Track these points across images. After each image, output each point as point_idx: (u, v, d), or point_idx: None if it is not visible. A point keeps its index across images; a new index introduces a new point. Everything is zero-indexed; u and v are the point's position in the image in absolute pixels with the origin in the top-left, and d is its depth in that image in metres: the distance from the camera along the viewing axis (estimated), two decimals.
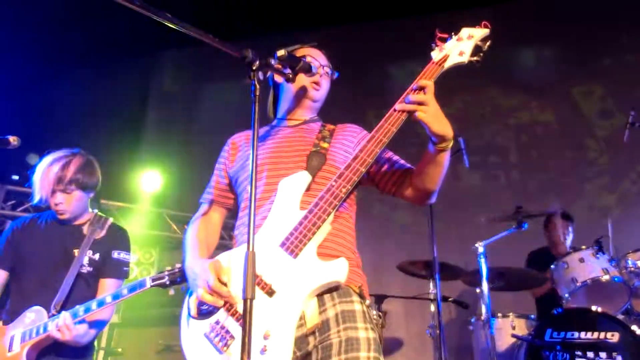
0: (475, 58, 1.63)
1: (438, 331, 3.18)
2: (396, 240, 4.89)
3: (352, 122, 1.87)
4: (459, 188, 5.10)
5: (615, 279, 3.24)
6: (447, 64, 1.61)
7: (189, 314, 1.51)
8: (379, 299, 3.48)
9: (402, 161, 1.75)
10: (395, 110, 1.54)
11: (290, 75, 1.56)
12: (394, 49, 5.73)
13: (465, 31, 1.65)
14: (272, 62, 1.45)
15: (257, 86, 1.37)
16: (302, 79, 1.77)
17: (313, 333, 1.45)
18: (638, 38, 5.41)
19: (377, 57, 5.75)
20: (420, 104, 1.48)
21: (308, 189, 1.59)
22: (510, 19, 5.32)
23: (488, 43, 1.64)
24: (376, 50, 5.78)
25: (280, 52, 1.50)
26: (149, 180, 5.49)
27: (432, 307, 3.50)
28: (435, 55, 1.63)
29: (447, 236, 4.21)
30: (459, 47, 1.62)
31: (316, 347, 1.44)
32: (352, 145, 1.75)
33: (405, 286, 4.07)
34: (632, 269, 3.26)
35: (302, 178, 1.61)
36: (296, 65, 1.57)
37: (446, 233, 4.18)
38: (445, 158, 1.56)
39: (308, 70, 1.66)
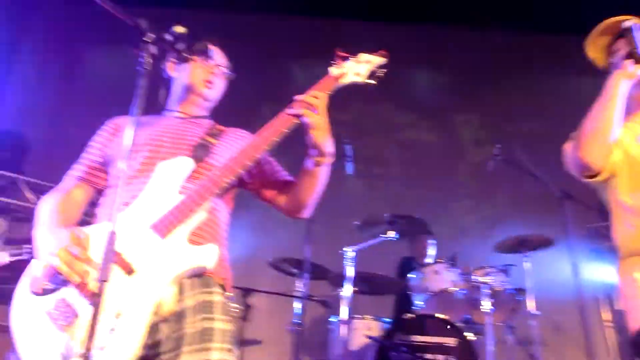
0: (370, 80, 1.76)
1: (299, 328, 3.36)
2: (273, 237, 5.04)
3: (245, 114, 1.92)
4: (341, 193, 5.40)
5: (461, 291, 3.69)
6: (343, 81, 1.72)
7: (32, 288, 1.39)
8: (245, 293, 3.58)
9: (284, 172, 1.81)
10: (287, 113, 1.59)
11: (184, 55, 1.55)
12: (298, 48, 5.90)
13: (363, 56, 1.77)
14: (167, 37, 1.44)
15: (147, 60, 1.35)
16: (195, 74, 1.79)
17: (167, 321, 1.42)
18: (516, 81, 6.18)
19: (282, 54, 5.88)
20: (311, 109, 1.54)
21: (189, 177, 1.57)
22: (412, 40, 5.76)
23: (384, 70, 1.77)
24: (281, 47, 5.90)
25: (178, 28, 1.48)
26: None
27: (297, 305, 3.67)
28: (334, 70, 1.72)
29: (323, 238, 4.45)
30: (356, 68, 1.74)
31: (169, 337, 1.42)
32: (239, 147, 1.73)
33: (275, 282, 4.21)
34: (476, 284, 3.71)
35: (184, 164, 1.59)
36: (192, 45, 1.56)
37: (322, 235, 4.41)
38: (323, 173, 1.63)
39: (204, 53, 1.69)
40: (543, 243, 4.07)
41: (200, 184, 1.51)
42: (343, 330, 3.43)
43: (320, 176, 1.64)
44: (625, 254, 1.54)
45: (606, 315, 5.20)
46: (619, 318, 4.78)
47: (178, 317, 1.44)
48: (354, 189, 5.57)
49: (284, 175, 1.80)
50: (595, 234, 5.19)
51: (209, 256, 1.48)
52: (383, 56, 1.77)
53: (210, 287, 1.52)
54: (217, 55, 1.88)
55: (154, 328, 1.40)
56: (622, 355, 4.84)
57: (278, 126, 1.57)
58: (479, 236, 5.22)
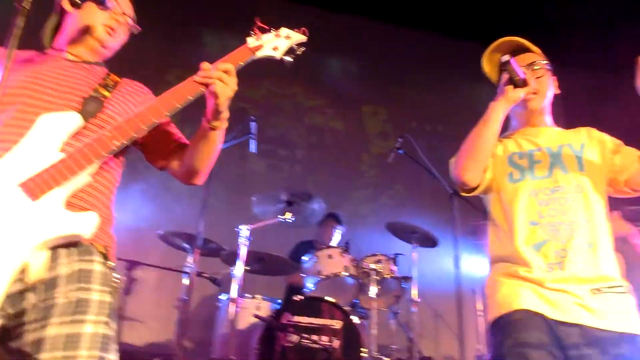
0: (287, 57, 1.70)
1: (185, 305, 3.29)
2: (168, 209, 4.87)
3: (153, 77, 1.81)
4: (243, 171, 5.37)
5: (351, 277, 3.82)
6: (260, 54, 1.64)
7: None
8: (131, 265, 3.44)
9: (180, 135, 1.71)
10: (194, 80, 1.49)
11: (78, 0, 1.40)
12: (212, 16, 5.71)
13: (284, 30, 1.71)
14: None
15: None
16: (96, 16, 1.63)
17: (34, 289, 1.29)
18: (425, 82, 6.50)
19: (194, 21, 5.66)
20: (221, 79, 1.47)
21: (74, 134, 1.42)
22: (328, 26, 5.79)
23: (302, 49, 1.74)
24: (194, 14, 5.68)
25: None
26: None
27: (186, 281, 3.59)
28: (251, 41, 1.65)
29: (219, 214, 4.40)
30: (275, 42, 1.68)
31: (35, 306, 1.29)
32: (135, 103, 1.64)
33: (166, 257, 4.09)
34: (366, 270, 3.87)
35: (71, 119, 1.43)
36: None
37: (219, 211, 4.36)
38: (219, 137, 1.58)
39: (101, 2, 1.57)
40: (430, 240, 4.37)
41: (85, 144, 1.37)
42: (231, 308, 3.40)
43: (215, 141, 1.59)
44: (493, 259, 1.72)
45: (479, 305, 5.70)
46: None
47: (48, 285, 1.30)
48: (256, 168, 5.54)
49: (180, 138, 1.71)
50: (476, 231, 5.65)
51: (85, 225, 1.35)
52: (304, 34, 1.74)
53: (90, 255, 1.39)
54: (125, 4, 1.72)
55: (17, 296, 1.27)
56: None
57: (183, 92, 1.48)
58: (375, 225, 5.45)
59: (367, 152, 6.12)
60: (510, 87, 1.69)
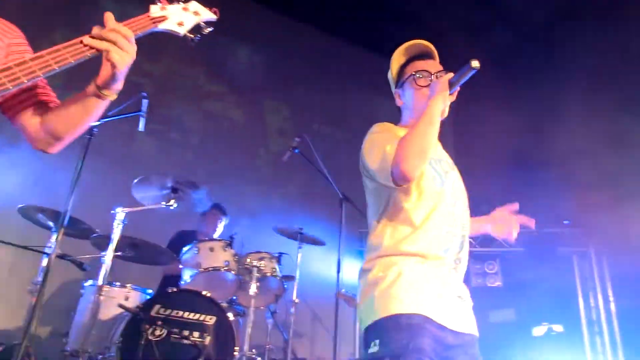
0: (192, 35, 1.58)
1: (42, 289, 2.96)
2: (35, 181, 4.39)
3: (35, 37, 1.58)
4: (129, 150, 5.04)
5: (232, 272, 3.71)
6: (162, 27, 1.49)
7: None
8: None
9: (47, 92, 1.54)
10: (82, 42, 1.32)
11: None
12: None
13: (194, 5, 1.59)
14: None
15: None
16: None
17: None
18: (329, 86, 6.59)
19: None
20: (119, 44, 1.32)
21: None
22: (237, 14, 5.64)
23: (210, 29, 1.62)
24: None
25: None
26: None
27: (44, 263, 3.25)
28: (154, 10, 1.50)
29: (94, 193, 4.07)
30: (182, 16, 1.54)
31: None
32: (2, 45, 1.46)
33: (26, 234, 3.68)
34: (248, 266, 3.80)
35: None
36: None
37: (94, 190, 4.03)
38: (101, 108, 1.44)
39: None
40: (315, 241, 4.43)
41: None
42: (95, 297, 3.16)
43: (95, 111, 1.44)
44: (389, 252, 1.71)
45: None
46: None
47: None
48: (144, 149, 5.24)
49: (47, 97, 1.53)
50: (363, 237, 5.85)
51: None
52: (215, 14, 1.63)
53: None
54: None
55: None
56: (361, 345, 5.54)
57: (66, 54, 1.29)
58: (263, 222, 5.39)
59: (264, 148, 6.05)
60: (446, 90, 1.73)
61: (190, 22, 1.57)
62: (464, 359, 1.64)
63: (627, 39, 5.48)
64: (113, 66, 1.33)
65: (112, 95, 1.41)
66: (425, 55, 1.96)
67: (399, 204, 1.76)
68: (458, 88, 1.75)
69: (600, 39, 5.69)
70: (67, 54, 1.30)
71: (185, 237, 4.39)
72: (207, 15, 1.62)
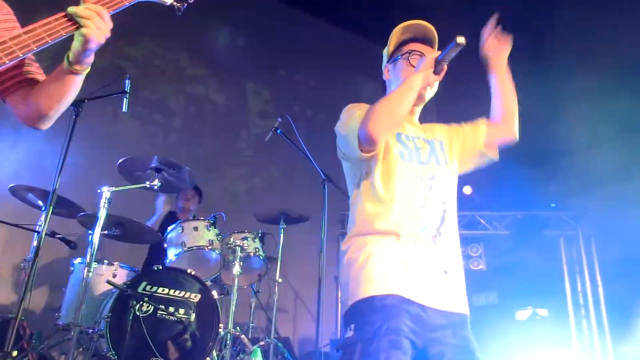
0: (178, 4, 1.61)
1: (32, 266, 3.21)
2: (25, 161, 4.65)
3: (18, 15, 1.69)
4: (114, 131, 5.29)
5: (216, 251, 4.00)
6: None
7: None
8: None
9: (33, 68, 1.59)
10: (65, 16, 1.37)
11: None
12: None
13: None
14: None
15: None
16: None
17: None
18: (312, 68, 6.83)
19: None
20: (93, 20, 1.37)
21: None
22: None
23: None
24: None
25: None
26: None
27: (35, 241, 3.51)
28: None
29: (82, 173, 4.35)
30: None
31: None
32: None
33: (16, 213, 3.96)
34: (231, 246, 4.08)
35: None
36: None
37: (81, 170, 4.30)
38: (77, 83, 1.50)
39: None
40: (299, 219, 4.72)
41: None
42: (84, 274, 3.37)
43: (72, 86, 1.50)
44: (363, 231, 1.75)
45: (340, 292, 6.24)
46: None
47: None
48: (129, 131, 5.48)
49: (34, 72, 1.58)
50: (346, 219, 6.15)
51: None
52: None
53: None
54: None
55: None
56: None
57: (43, 33, 1.33)
58: (246, 203, 5.70)
59: (246, 130, 6.33)
60: (431, 65, 1.76)
61: None
62: (453, 342, 1.60)
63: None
64: (86, 41, 1.38)
65: (84, 69, 1.47)
66: (426, 40, 1.97)
67: (370, 183, 1.79)
68: (446, 67, 1.77)
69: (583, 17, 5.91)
70: (45, 32, 1.34)
71: (167, 218, 4.71)
72: None
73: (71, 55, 1.43)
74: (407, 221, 1.71)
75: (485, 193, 7.07)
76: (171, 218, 4.67)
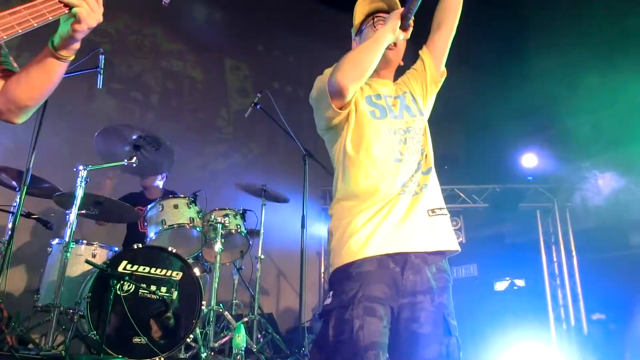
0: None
1: (7, 247, 3.13)
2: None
3: None
4: (89, 109, 5.15)
5: (197, 228, 3.95)
6: None
7: None
8: None
9: (9, 60, 1.54)
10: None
11: None
12: None
13: None
14: None
15: None
16: None
17: None
18: (290, 44, 6.72)
19: None
20: (89, 3, 1.34)
21: None
22: None
23: None
24: None
25: None
26: None
27: (10, 222, 3.42)
28: None
29: (56, 152, 4.23)
30: None
31: None
32: None
33: None
34: (213, 223, 4.04)
35: None
36: None
37: (55, 149, 4.19)
38: (61, 70, 1.45)
39: None
40: (280, 200, 4.70)
41: None
42: (63, 254, 3.31)
43: (56, 74, 1.44)
44: (343, 197, 1.76)
45: (322, 268, 6.29)
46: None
47: None
48: (104, 109, 5.34)
49: (7, 65, 1.52)
50: (327, 194, 6.15)
51: None
52: None
53: None
54: None
55: None
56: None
57: (43, 10, 1.28)
58: (226, 180, 5.63)
59: (225, 107, 6.22)
60: (398, 20, 1.75)
61: None
62: (430, 309, 1.60)
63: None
64: (78, 22, 1.33)
65: (70, 55, 1.42)
66: (390, 10, 1.95)
67: (345, 147, 1.79)
68: (412, 23, 1.78)
69: None
70: (45, 9, 1.29)
71: (135, 197, 4.56)
72: None
73: (57, 39, 1.38)
74: (384, 178, 1.71)
75: (464, 167, 7.12)
76: (139, 198, 4.53)
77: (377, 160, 1.74)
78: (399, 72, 2.03)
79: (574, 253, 6.40)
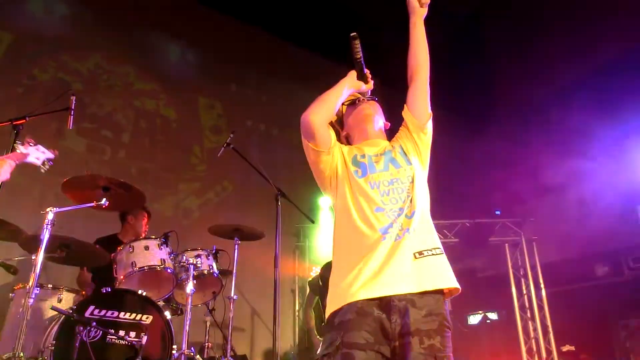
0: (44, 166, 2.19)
1: None
2: None
3: None
4: (59, 148, 4.98)
5: (168, 270, 3.79)
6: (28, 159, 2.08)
7: None
8: None
9: None
10: None
11: None
12: None
13: (41, 147, 2.48)
14: None
15: None
16: None
17: None
18: (262, 83, 6.75)
19: None
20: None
21: None
22: (169, 9, 5.72)
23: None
24: None
25: None
26: None
27: None
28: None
29: (22, 195, 4.07)
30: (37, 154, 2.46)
31: None
32: None
33: None
34: (184, 264, 3.89)
35: None
36: None
37: (21, 191, 4.03)
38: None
39: None
40: (254, 235, 4.58)
41: None
42: (26, 300, 3.11)
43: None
44: (334, 250, 1.86)
45: (297, 306, 6.14)
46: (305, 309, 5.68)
47: None
48: (75, 148, 5.20)
49: None
50: (300, 233, 6.09)
51: None
52: (53, 154, 2.31)
53: None
54: None
55: None
56: (300, 338, 5.78)
57: None
58: (199, 219, 5.51)
59: (199, 145, 6.14)
60: (354, 73, 2.02)
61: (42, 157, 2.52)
62: (419, 350, 1.59)
63: None
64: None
65: None
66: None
67: (333, 203, 1.96)
68: (369, 75, 2.05)
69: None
70: None
71: (109, 241, 4.37)
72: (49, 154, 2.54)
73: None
74: (365, 227, 1.77)
75: (435, 202, 7.15)
76: (113, 242, 4.37)
77: (358, 211, 1.82)
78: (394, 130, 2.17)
79: (542, 285, 6.46)
